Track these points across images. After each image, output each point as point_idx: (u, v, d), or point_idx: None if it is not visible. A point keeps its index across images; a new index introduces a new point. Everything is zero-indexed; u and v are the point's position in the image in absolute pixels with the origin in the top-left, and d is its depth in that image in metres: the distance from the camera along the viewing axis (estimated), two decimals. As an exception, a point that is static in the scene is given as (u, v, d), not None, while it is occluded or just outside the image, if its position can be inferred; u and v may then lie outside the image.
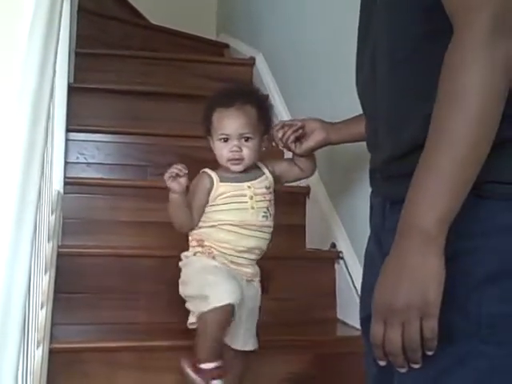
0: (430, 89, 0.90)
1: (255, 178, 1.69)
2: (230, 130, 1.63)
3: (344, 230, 2.26)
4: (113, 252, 2.04)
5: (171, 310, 1.85)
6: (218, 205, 1.66)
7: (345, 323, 2.15)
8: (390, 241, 0.93)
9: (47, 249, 1.84)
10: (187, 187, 1.63)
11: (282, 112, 2.90)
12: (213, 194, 1.65)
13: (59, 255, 1.93)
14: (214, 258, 1.65)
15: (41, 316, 1.67)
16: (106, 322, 1.93)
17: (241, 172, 1.67)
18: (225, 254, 1.66)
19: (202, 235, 1.68)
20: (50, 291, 1.77)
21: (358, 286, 2.11)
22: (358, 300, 2.08)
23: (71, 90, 2.42)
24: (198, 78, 3.12)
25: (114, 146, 2.57)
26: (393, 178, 1.03)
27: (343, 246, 2.24)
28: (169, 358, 1.71)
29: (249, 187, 1.67)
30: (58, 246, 1.97)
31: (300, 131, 1.70)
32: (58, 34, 1.62)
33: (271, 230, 1.70)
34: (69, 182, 2.26)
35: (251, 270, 1.70)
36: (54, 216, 2.01)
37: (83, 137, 2.53)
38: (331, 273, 2.25)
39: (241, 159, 1.64)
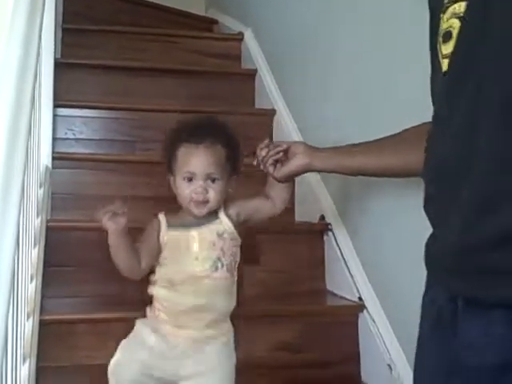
0: None
1: (205, 224, 1.52)
2: (197, 168, 1.48)
3: (332, 202, 2.27)
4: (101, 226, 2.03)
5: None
6: (162, 257, 1.52)
7: (333, 294, 2.18)
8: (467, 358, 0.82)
9: (36, 223, 1.85)
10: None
11: (270, 86, 2.91)
12: (161, 241, 1.51)
13: (48, 229, 1.93)
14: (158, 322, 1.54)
15: (30, 288, 1.68)
16: (96, 295, 1.94)
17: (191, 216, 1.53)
18: (169, 314, 1.52)
19: (154, 293, 1.55)
20: (39, 264, 1.78)
21: (346, 257, 2.14)
22: (346, 271, 2.13)
23: (58, 65, 2.40)
24: (187, 53, 3.12)
25: (102, 121, 2.57)
26: (494, 272, 0.80)
27: (332, 218, 2.25)
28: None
29: (193, 237, 1.51)
30: (47, 220, 1.97)
31: (281, 154, 1.55)
32: (43, 8, 1.62)
33: (229, 283, 1.53)
34: (57, 157, 2.26)
35: (204, 334, 1.52)
36: (42, 190, 2.01)
37: (71, 112, 2.53)
38: (320, 245, 2.26)
39: (205, 202, 1.49)
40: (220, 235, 1.52)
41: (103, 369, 1.74)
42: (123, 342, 1.55)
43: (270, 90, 2.91)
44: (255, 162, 1.58)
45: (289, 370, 1.91)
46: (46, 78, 2.21)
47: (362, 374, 1.98)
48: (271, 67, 2.97)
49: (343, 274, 2.14)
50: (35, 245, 1.80)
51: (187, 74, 2.92)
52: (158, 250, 1.51)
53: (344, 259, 2.15)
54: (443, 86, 0.92)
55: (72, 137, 2.52)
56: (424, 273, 1.04)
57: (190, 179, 1.48)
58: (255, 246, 2.14)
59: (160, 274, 1.52)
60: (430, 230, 0.97)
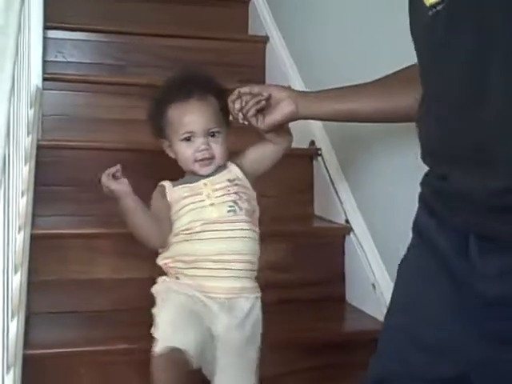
0: None
1: (214, 174, 1.43)
2: (195, 126, 1.38)
3: (323, 126, 2.28)
4: (93, 145, 2.04)
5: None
6: (175, 212, 1.41)
7: (322, 218, 2.21)
8: (494, 288, 0.86)
9: (26, 141, 1.86)
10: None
11: (264, 13, 2.87)
12: (170, 199, 1.43)
13: (39, 148, 1.94)
14: (177, 278, 1.41)
15: (22, 203, 1.70)
16: (86, 214, 1.96)
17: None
18: (190, 268, 1.39)
19: (167, 254, 1.44)
20: (30, 182, 1.79)
21: (336, 182, 2.17)
22: (334, 196, 2.16)
23: (49, -14, 2.37)
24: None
25: (92, 44, 2.56)
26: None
27: (322, 143, 2.26)
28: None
29: (205, 184, 1.41)
30: (38, 140, 1.98)
31: (263, 103, 1.40)
32: None
33: (251, 227, 1.43)
34: (48, 78, 2.25)
35: (233, 284, 1.38)
36: (32, 110, 2.01)
37: (62, 35, 2.51)
38: (309, 170, 2.28)
39: (211, 158, 1.40)
40: (231, 181, 1.43)
41: (93, 283, 1.80)
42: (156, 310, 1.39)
43: (263, 17, 2.87)
44: (231, 118, 1.45)
45: (275, 290, 1.94)
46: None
47: (347, 294, 2.03)
48: (281, 32, 2.80)
49: (332, 198, 2.16)
50: (26, 162, 1.81)
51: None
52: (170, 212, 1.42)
53: (333, 184, 2.17)
54: (436, 23, 0.88)
55: (62, 60, 2.50)
56: (412, 197, 1.07)
57: (189, 139, 1.39)
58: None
59: (176, 227, 1.40)
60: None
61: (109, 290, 1.80)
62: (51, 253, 1.76)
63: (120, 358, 1.59)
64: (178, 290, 1.39)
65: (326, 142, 2.25)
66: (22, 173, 1.74)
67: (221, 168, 1.45)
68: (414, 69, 1.08)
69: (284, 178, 2.22)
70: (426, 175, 1.02)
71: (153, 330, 1.32)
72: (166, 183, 1.44)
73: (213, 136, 1.40)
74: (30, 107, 2.01)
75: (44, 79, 2.23)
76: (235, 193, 1.41)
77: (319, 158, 2.26)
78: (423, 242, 1.02)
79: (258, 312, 1.42)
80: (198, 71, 1.46)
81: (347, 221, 2.05)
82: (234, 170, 1.45)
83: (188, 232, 1.39)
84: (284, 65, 2.60)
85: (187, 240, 1.39)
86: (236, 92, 1.41)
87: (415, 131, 1.04)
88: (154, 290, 1.44)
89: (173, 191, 1.42)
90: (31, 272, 1.67)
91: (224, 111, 1.44)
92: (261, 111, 1.40)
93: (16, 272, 1.57)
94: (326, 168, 2.22)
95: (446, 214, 0.95)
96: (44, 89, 2.23)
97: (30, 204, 1.74)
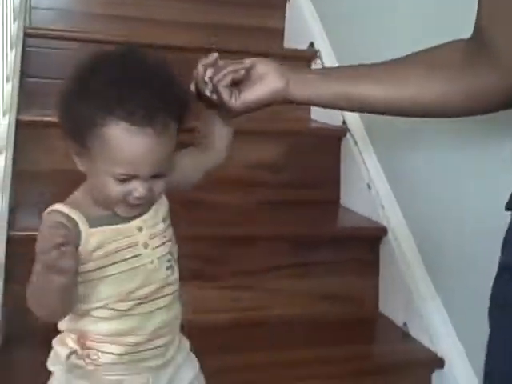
0: None
1: (146, 210, 0.97)
2: (141, 170, 0.88)
3: (323, 28, 2.19)
4: (85, 37, 1.95)
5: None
6: (91, 271, 0.91)
7: (317, 121, 2.14)
8: None
9: (13, 27, 1.79)
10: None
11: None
12: (82, 248, 0.89)
13: (26, 35, 1.87)
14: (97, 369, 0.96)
15: (6, 89, 1.65)
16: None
17: None
18: (119, 355, 0.95)
19: (80, 326, 0.95)
20: (16, 69, 1.74)
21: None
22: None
23: None
24: None
25: None
26: None
27: (321, 44, 2.18)
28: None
29: (139, 229, 0.95)
30: (25, 27, 1.90)
31: (242, 72, 1.01)
32: None
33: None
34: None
35: (163, 357, 0.99)
36: (19, -3, 1.93)
37: None
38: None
39: (146, 203, 0.94)
40: (165, 220, 1.00)
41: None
42: None
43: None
44: (193, 86, 1.03)
45: (266, 189, 1.91)
46: None
47: (342, 197, 1.99)
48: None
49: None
50: (11, 48, 1.75)
51: None
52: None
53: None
54: None
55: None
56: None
57: (124, 180, 0.88)
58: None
59: (98, 297, 0.93)
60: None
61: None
62: (37, 141, 1.70)
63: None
64: None
65: (326, 44, 2.17)
66: (7, 58, 1.69)
67: None
68: (448, 50, 0.97)
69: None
70: None
71: None
72: (79, 219, 0.89)
73: (158, 177, 0.91)
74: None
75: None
76: (170, 240, 1.00)
77: (318, 61, 2.18)
78: None
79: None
80: (164, 70, 0.92)
81: (344, 122, 1.99)
82: (164, 202, 1.01)
83: (112, 310, 0.94)
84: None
85: (109, 318, 0.94)
86: (214, 56, 1.02)
87: None
88: None
89: (89, 235, 0.90)
90: (16, 161, 1.62)
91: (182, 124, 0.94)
92: (237, 84, 1.02)
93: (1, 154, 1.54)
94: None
95: None
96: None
97: (16, 90, 1.69)
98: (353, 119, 1.95)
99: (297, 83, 1.02)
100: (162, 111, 0.87)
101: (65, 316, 0.94)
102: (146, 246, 0.95)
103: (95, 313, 0.94)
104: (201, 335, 1.47)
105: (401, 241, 1.71)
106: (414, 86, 0.99)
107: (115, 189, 0.89)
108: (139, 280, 0.94)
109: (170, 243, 0.99)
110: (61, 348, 0.97)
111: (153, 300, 0.96)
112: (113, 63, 0.90)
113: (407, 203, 1.72)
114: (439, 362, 1.52)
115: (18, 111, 1.68)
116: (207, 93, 1.01)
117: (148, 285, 0.94)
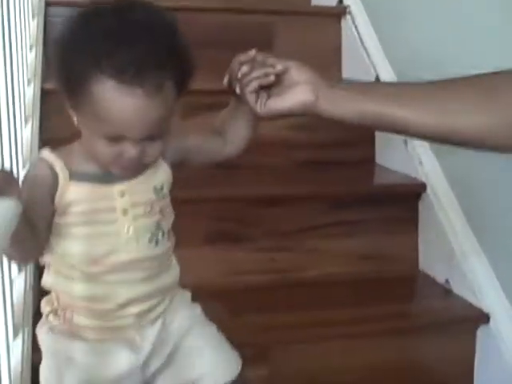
0: None
1: (135, 175, 0.92)
2: (130, 132, 0.83)
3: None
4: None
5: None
6: (65, 225, 0.90)
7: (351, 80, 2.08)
8: None
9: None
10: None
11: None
12: (58, 200, 0.88)
13: (48, 4, 1.86)
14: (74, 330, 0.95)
15: (30, 57, 1.64)
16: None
17: None
18: (90, 320, 0.94)
19: (55, 284, 0.96)
20: (38, 37, 1.72)
21: (366, 44, 2.03)
22: (366, 57, 2.02)
23: None
24: None
25: None
26: None
27: (351, 0, 2.12)
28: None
29: (121, 194, 0.91)
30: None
31: (271, 78, 0.94)
32: None
33: (170, 253, 1.00)
34: None
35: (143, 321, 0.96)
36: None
37: None
38: (337, 30, 2.14)
39: (138, 167, 0.90)
40: (159, 191, 0.95)
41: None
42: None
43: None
44: (226, 81, 0.97)
45: (303, 150, 1.87)
46: None
47: (377, 156, 1.93)
48: None
49: (362, 61, 2.04)
50: (33, 17, 1.73)
51: None
52: (53, 212, 0.89)
53: (363, 46, 2.04)
54: None
55: None
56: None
57: (115, 140, 0.84)
58: (268, 26, 2.02)
59: (65, 251, 0.91)
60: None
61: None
62: (62, 110, 1.68)
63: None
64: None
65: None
66: (29, 27, 1.67)
67: None
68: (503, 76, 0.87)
69: (311, 39, 2.10)
70: None
71: None
72: (60, 170, 0.88)
73: (152, 139, 0.86)
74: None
75: None
76: (160, 211, 0.95)
77: (348, 17, 2.12)
78: None
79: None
80: (167, 27, 0.85)
81: (377, 77, 1.93)
82: (163, 171, 0.96)
83: (85, 273, 0.92)
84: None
85: (83, 280, 0.92)
86: (252, 53, 0.95)
87: None
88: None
89: (67, 188, 0.88)
90: (43, 129, 1.61)
91: (182, 85, 0.87)
92: (266, 89, 0.95)
93: (26, 124, 1.52)
94: (356, 27, 2.08)
95: None
96: None
97: (39, 59, 1.67)
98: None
99: (326, 99, 0.94)
100: (156, 70, 0.80)
101: (34, 257, 0.94)
102: (124, 213, 0.91)
103: (66, 271, 0.92)
104: (238, 296, 1.47)
105: (440, 196, 1.65)
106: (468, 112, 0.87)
107: (106, 149, 0.85)
108: (108, 246, 0.91)
109: (158, 215, 0.94)
110: (44, 306, 0.97)
111: (128, 271, 0.92)
112: (107, 14, 0.83)
113: (446, 157, 1.66)
114: (484, 318, 1.47)
115: (42, 80, 1.66)
116: (237, 91, 0.95)
117: (116, 253, 0.91)
